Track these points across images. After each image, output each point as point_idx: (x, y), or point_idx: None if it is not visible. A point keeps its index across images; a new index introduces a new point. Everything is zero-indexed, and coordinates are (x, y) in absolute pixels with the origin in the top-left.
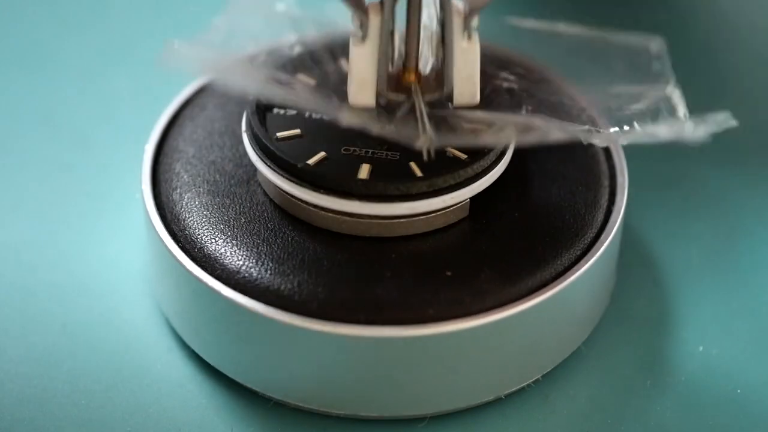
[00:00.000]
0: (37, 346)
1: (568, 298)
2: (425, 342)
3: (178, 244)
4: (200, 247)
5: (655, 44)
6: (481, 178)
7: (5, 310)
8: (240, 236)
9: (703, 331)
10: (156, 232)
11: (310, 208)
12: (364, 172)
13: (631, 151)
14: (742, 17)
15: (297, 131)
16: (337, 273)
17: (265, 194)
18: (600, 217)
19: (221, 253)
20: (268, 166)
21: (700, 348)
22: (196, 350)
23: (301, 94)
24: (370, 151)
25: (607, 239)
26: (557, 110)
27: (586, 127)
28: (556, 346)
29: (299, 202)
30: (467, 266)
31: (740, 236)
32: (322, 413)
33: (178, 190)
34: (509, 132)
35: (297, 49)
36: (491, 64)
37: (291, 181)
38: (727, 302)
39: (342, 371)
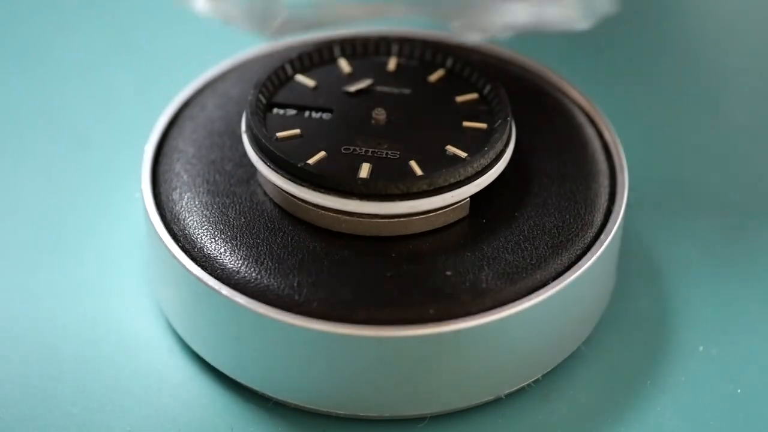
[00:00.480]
0: (37, 346)
1: (568, 298)
2: (425, 342)
3: (178, 244)
4: (200, 247)
5: None
6: (481, 176)
7: (5, 310)
8: (240, 236)
9: (703, 331)
10: (156, 232)
11: (310, 207)
12: (364, 171)
13: (631, 151)
14: (742, 17)
15: (297, 131)
16: (337, 273)
17: (265, 194)
18: (600, 217)
19: (221, 253)
20: (268, 166)
21: (700, 348)
22: (196, 350)
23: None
24: (370, 150)
25: (607, 239)
26: None
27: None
28: (556, 346)
29: (299, 202)
30: (467, 266)
31: (740, 236)
32: (322, 413)
33: (178, 190)
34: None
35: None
36: None
37: (291, 180)
38: (727, 302)
39: (342, 371)
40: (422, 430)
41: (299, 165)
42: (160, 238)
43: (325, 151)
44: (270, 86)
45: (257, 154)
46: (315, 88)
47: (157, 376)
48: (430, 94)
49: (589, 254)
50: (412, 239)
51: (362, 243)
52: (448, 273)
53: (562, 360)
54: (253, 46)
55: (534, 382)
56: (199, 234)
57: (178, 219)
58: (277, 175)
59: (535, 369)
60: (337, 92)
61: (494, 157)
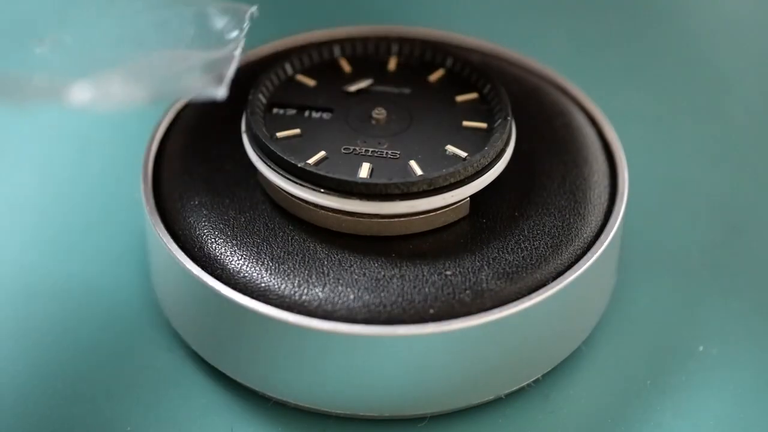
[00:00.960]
0: (37, 346)
1: (568, 298)
2: (425, 342)
3: (178, 244)
4: (200, 247)
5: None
6: (481, 176)
7: (5, 310)
8: (240, 236)
9: (703, 331)
10: (156, 232)
11: (311, 207)
12: (364, 171)
13: (631, 151)
14: (742, 17)
15: (297, 131)
16: (337, 272)
17: (265, 194)
18: (600, 217)
19: (221, 253)
20: (268, 166)
21: (700, 348)
22: (196, 350)
23: None
24: (370, 150)
25: (607, 239)
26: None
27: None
28: (556, 346)
29: (299, 202)
30: (467, 266)
31: (740, 236)
32: (322, 413)
33: (178, 190)
34: None
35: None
36: None
37: (291, 180)
38: (728, 302)
39: (342, 371)
40: (422, 430)
41: (299, 165)
42: (160, 238)
43: (325, 150)
44: (270, 86)
45: (257, 154)
46: (315, 88)
47: (156, 375)
48: (430, 93)
49: (589, 254)
50: (412, 239)
51: (362, 243)
52: (448, 273)
53: (562, 360)
54: (252, 47)
55: (534, 382)
56: (199, 234)
57: (178, 219)
58: (277, 175)
59: (535, 369)
60: (337, 92)
61: (494, 156)
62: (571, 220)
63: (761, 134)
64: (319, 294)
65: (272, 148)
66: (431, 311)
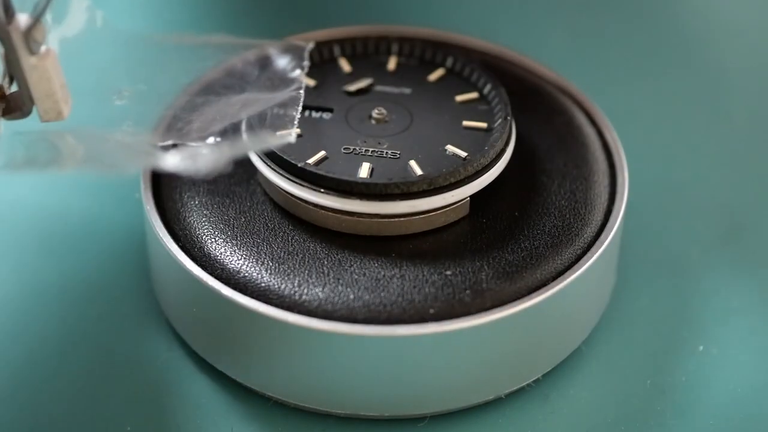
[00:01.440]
0: (37, 345)
1: (569, 298)
2: (425, 342)
3: (178, 244)
4: (200, 247)
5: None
6: (481, 176)
7: (5, 310)
8: (240, 236)
9: (703, 331)
10: (156, 232)
11: (311, 207)
12: (364, 170)
13: (631, 151)
14: (742, 17)
15: (297, 131)
16: (337, 272)
17: (265, 193)
18: (600, 217)
19: (221, 253)
20: (269, 165)
21: (700, 348)
22: (196, 350)
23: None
24: (370, 149)
25: (607, 239)
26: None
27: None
28: (556, 346)
29: (299, 202)
30: (467, 265)
31: (740, 236)
32: (322, 413)
33: (178, 190)
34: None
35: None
36: None
37: (291, 180)
38: (728, 302)
39: (342, 371)
40: (422, 430)
41: (299, 165)
42: (160, 238)
43: (325, 150)
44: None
45: (257, 154)
46: (315, 88)
47: (156, 375)
48: (430, 93)
49: (589, 254)
50: (412, 239)
51: (362, 243)
52: (448, 273)
53: (562, 360)
54: (252, 47)
55: (534, 382)
56: (199, 234)
57: (178, 219)
58: (277, 175)
59: (535, 369)
60: (337, 92)
61: (494, 156)
62: (571, 220)
63: (761, 134)
64: (319, 294)
65: (272, 148)
66: (431, 311)
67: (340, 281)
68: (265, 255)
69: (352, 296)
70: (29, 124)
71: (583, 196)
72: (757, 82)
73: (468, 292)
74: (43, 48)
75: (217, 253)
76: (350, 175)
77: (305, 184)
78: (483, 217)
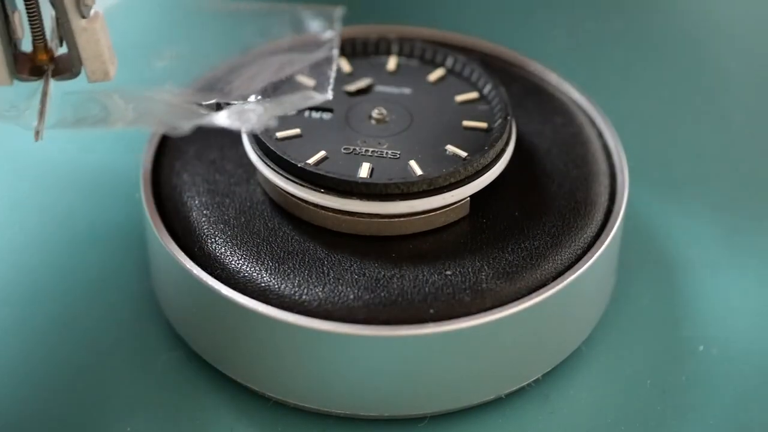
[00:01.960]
0: (37, 345)
1: (569, 298)
2: (425, 342)
3: (178, 244)
4: (200, 247)
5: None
6: (481, 176)
7: (5, 310)
8: (240, 236)
9: (703, 331)
10: (156, 232)
11: (311, 207)
12: (364, 170)
13: (631, 151)
14: (742, 17)
15: (297, 131)
16: (337, 272)
17: (265, 193)
18: (600, 217)
19: (221, 253)
20: (268, 165)
21: (700, 348)
22: (196, 350)
23: None
24: (370, 149)
25: (607, 239)
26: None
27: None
28: (556, 346)
29: (299, 202)
30: (467, 265)
31: (740, 236)
32: (322, 413)
33: (178, 190)
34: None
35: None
36: None
37: (291, 180)
38: (728, 302)
39: (342, 371)
40: (422, 430)
41: (299, 165)
42: (160, 238)
43: (325, 150)
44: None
45: (257, 154)
46: (315, 88)
47: (156, 375)
48: (430, 93)
49: (589, 254)
50: (412, 239)
51: (362, 243)
52: (448, 273)
53: (562, 360)
54: (252, 47)
55: (534, 382)
56: (199, 234)
57: (178, 219)
58: (277, 175)
59: (535, 369)
60: (337, 92)
61: (494, 156)
62: (571, 220)
63: (761, 134)
64: (319, 294)
65: (272, 148)
66: (431, 311)
67: (340, 281)
68: (265, 255)
69: (352, 296)
70: (78, 84)
71: (583, 196)
72: (756, 82)
73: (468, 292)
74: (92, 11)
75: (217, 253)
76: (350, 175)
77: (305, 184)
78: (483, 217)
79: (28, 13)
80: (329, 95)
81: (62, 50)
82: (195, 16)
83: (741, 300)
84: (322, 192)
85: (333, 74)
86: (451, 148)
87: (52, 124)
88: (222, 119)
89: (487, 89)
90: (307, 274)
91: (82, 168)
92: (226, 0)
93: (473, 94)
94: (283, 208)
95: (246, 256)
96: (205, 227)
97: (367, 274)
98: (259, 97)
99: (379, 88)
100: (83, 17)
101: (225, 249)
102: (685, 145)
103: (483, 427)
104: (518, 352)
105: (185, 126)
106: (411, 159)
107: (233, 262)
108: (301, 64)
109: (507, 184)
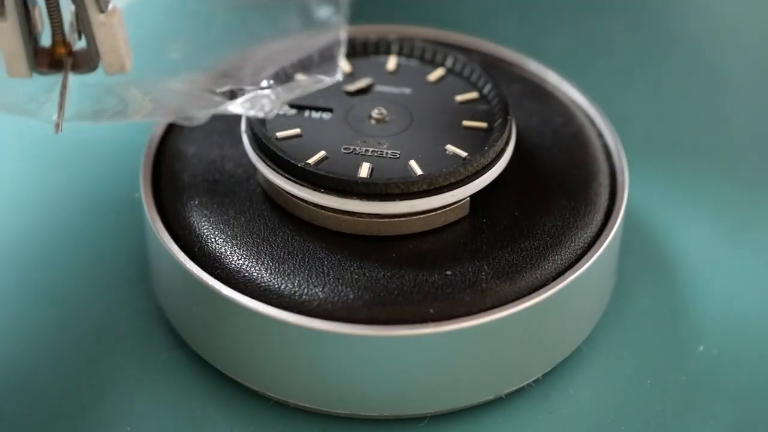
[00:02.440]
0: (37, 345)
1: (569, 298)
2: (425, 342)
3: (178, 244)
4: (200, 247)
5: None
6: (481, 175)
7: (5, 310)
8: (240, 235)
9: (703, 331)
10: (156, 232)
11: (310, 207)
12: (364, 170)
13: (631, 151)
14: (742, 17)
15: (297, 131)
16: (337, 272)
17: (265, 193)
18: (600, 217)
19: (221, 253)
20: (268, 165)
21: (700, 348)
22: (196, 350)
23: None
24: (370, 149)
25: (607, 239)
26: None
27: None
28: (556, 346)
29: (299, 201)
30: (467, 265)
31: (740, 237)
32: (322, 413)
33: (178, 190)
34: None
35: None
36: None
37: (291, 180)
38: (728, 302)
39: (342, 371)
40: (422, 430)
41: (299, 165)
42: (160, 238)
43: (325, 150)
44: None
45: (257, 154)
46: (324, 72)
47: (156, 375)
48: (430, 93)
49: (589, 254)
50: (412, 239)
51: (362, 243)
52: (448, 273)
53: (562, 360)
54: (262, 38)
55: (534, 382)
56: (199, 234)
57: (178, 219)
58: (277, 175)
59: (535, 369)
60: (337, 92)
61: (494, 156)
62: (571, 220)
63: (761, 134)
64: (319, 294)
65: (272, 148)
66: (431, 311)
67: (340, 281)
68: (265, 255)
69: (352, 296)
70: (94, 77)
71: (583, 196)
72: (756, 82)
73: (468, 292)
74: (110, 6)
75: (217, 253)
76: (350, 175)
77: (305, 184)
78: (483, 217)
79: (48, 7)
80: (339, 77)
81: (80, 44)
82: (205, 10)
83: (741, 300)
84: (322, 192)
85: (342, 57)
86: (451, 148)
87: (71, 117)
88: (236, 107)
89: (487, 89)
90: (307, 274)
91: (83, 168)
92: None
93: (473, 94)
94: (283, 208)
95: (246, 256)
96: (205, 227)
97: (367, 274)
98: (272, 82)
99: (379, 88)
100: (102, 12)
101: (225, 249)
102: (685, 145)
103: (483, 427)
104: (518, 352)
105: (201, 115)
106: (411, 159)
107: (233, 262)
108: (310, 48)
109: (507, 184)
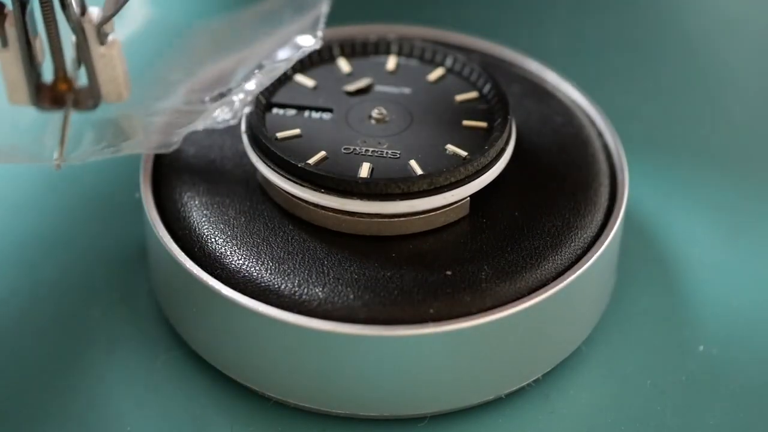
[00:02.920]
0: (37, 345)
1: (569, 298)
2: (425, 342)
3: (178, 244)
4: (200, 247)
5: None
6: (481, 175)
7: (5, 309)
8: (240, 236)
9: (703, 331)
10: (156, 232)
11: (311, 207)
12: (364, 170)
13: (631, 151)
14: (741, 17)
15: (297, 131)
16: (337, 272)
17: (265, 193)
18: (600, 217)
19: (221, 253)
20: (269, 166)
21: (700, 348)
22: (196, 350)
23: None
24: (370, 149)
25: (607, 239)
26: None
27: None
28: (556, 346)
29: (299, 202)
30: (467, 265)
31: (741, 236)
32: (322, 413)
33: (178, 190)
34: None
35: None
36: None
37: (291, 180)
38: (728, 302)
39: (342, 371)
40: (422, 430)
41: (299, 165)
42: (160, 238)
43: (325, 150)
44: (270, 86)
45: (257, 154)
46: (315, 88)
47: (156, 375)
48: (430, 93)
49: (589, 254)
50: (412, 239)
51: (362, 243)
52: (448, 273)
53: (562, 360)
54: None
55: (534, 382)
56: (199, 234)
57: (178, 219)
58: (277, 175)
59: (535, 369)
60: (336, 92)
61: (494, 156)
62: (571, 220)
63: (761, 134)
64: (319, 294)
65: (272, 148)
66: (431, 311)
67: (340, 281)
68: (265, 255)
69: (352, 296)
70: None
71: (583, 196)
72: (757, 81)
73: (468, 292)
74: (110, 38)
75: (217, 253)
76: (350, 175)
77: (305, 184)
78: (483, 217)
79: (50, 43)
80: (318, 44)
81: (81, 73)
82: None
83: (741, 300)
84: (322, 192)
85: (322, 26)
86: (451, 148)
87: (73, 156)
88: (203, 122)
89: (486, 89)
90: (307, 274)
91: (83, 168)
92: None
93: (473, 94)
94: (283, 208)
95: (246, 256)
96: (205, 227)
97: (367, 274)
98: (255, 73)
99: (379, 88)
100: (102, 44)
101: (225, 249)
102: (685, 145)
103: (483, 427)
104: (518, 352)
105: (174, 140)
106: (411, 159)
107: (233, 262)
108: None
109: (507, 183)
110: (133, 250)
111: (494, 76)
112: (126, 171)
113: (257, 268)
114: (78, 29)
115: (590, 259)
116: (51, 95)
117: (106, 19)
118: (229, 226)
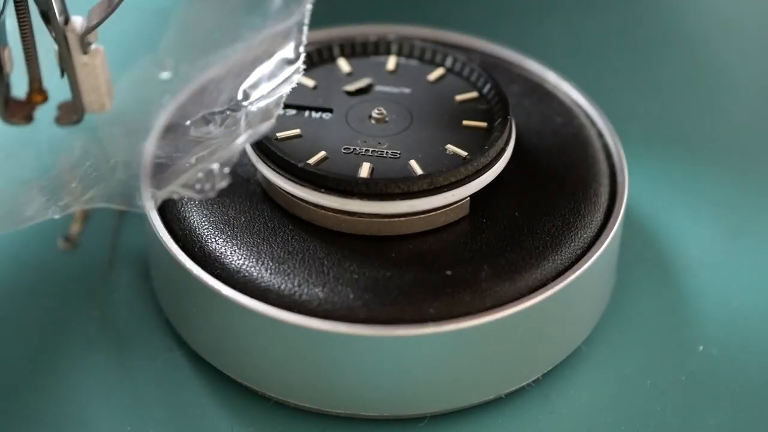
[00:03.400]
0: (36, 344)
1: (569, 298)
2: (425, 342)
3: (178, 244)
4: (200, 247)
5: None
6: (481, 175)
7: (5, 309)
8: (240, 236)
9: (703, 331)
10: (156, 232)
11: (311, 207)
12: (364, 170)
13: (631, 151)
14: (741, 17)
15: (297, 131)
16: (337, 272)
17: (265, 193)
18: (600, 216)
19: (221, 253)
20: (268, 166)
21: (700, 348)
22: (196, 350)
23: None
24: (370, 149)
25: (607, 239)
26: None
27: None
28: (556, 346)
29: (299, 202)
30: (467, 265)
31: (741, 236)
32: (322, 413)
33: None
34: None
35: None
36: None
37: (291, 180)
38: (728, 302)
39: (342, 371)
40: (422, 430)
41: (299, 165)
42: (161, 238)
43: (325, 150)
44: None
45: (257, 154)
46: (315, 88)
47: (157, 375)
48: (430, 93)
49: (589, 254)
50: (412, 239)
51: (362, 243)
52: (448, 273)
53: (562, 360)
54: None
55: (534, 382)
56: (199, 234)
57: (178, 219)
58: (277, 175)
59: (535, 369)
60: (337, 92)
61: (494, 155)
62: (571, 220)
63: (761, 134)
64: (319, 294)
65: (272, 148)
66: (431, 311)
67: (340, 281)
68: (265, 255)
69: (352, 296)
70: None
71: (583, 196)
72: (757, 81)
73: (468, 292)
74: (93, 47)
75: (217, 253)
76: (350, 175)
77: (305, 184)
78: (483, 217)
79: (25, 53)
80: (300, 62)
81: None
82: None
83: (741, 300)
84: (322, 192)
85: (303, 41)
86: (451, 148)
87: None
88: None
89: (486, 89)
90: (307, 274)
91: None
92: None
93: (473, 94)
94: (283, 208)
95: (246, 256)
96: (205, 227)
97: (367, 274)
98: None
99: (379, 88)
100: (84, 53)
101: (225, 249)
102: (685, 145)
103: (483, 427)
104: (518, 352)
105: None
106: (411, 159)
107: (233, 262)
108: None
109: (507, 183)
110: (133, 250)
111: (494, 76)
112: None
113: (257, 268)
114: (61, 39)
115: (590, 259)
116: (26, 110)
117: (91, 28)
118: (229, 226)
